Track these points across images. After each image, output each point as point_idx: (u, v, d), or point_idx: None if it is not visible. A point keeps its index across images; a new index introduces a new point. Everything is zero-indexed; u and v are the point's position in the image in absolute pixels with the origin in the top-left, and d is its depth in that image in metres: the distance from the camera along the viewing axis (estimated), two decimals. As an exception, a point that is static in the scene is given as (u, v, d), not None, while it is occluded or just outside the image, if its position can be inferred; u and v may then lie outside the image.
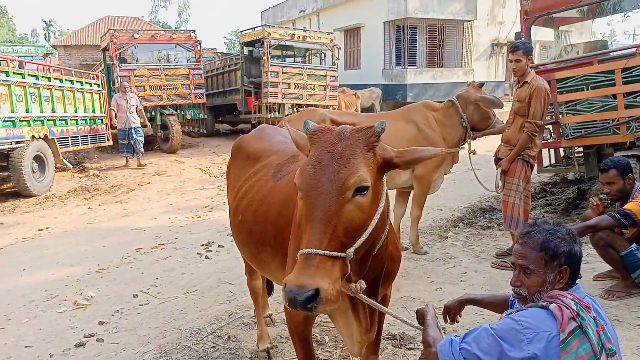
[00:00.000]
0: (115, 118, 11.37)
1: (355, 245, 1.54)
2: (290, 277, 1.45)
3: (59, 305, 4.21)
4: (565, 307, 1.70)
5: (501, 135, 4.84)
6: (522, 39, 5.59)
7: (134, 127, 11.20)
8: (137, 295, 4.33)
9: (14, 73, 8.55)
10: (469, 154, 5.08)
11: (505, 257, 4.71)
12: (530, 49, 4.44)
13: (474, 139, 5.02)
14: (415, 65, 20.15)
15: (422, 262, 4.88)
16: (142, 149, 11.44)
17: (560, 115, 5.79)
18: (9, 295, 4.44)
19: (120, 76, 12.70)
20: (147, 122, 12.42)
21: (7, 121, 8.11)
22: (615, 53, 6.00)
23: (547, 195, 7.33)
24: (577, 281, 1.87)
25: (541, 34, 13.15)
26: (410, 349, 3.21)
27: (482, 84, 5.03)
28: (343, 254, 1.49)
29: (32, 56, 20.82)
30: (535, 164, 4.95)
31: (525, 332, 1.66)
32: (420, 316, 2.05)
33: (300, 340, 2.22)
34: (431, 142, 4.83)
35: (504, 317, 1.78)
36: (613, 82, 5.37)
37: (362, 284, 1.72)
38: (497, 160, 4.76)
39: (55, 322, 3.90)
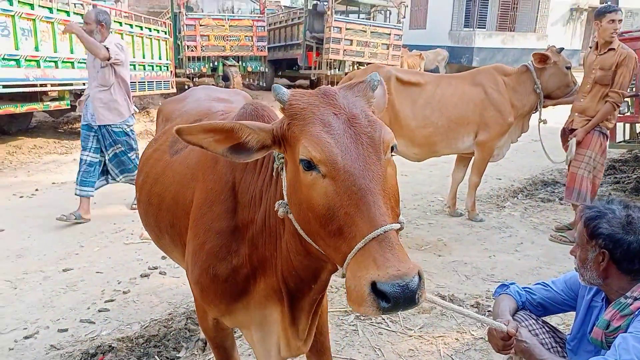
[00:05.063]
0: None
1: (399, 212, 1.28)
2: (389, 267, 1.07)
3: (126, 238, 4.50)
4: None
5: (572, 106, 4.59)
6: (609, 2, 5.19)
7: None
8: (196, 236, 4.54)
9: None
10: (539, 122, 4.86)
11: (564, 232, 4.57)
12: None
13: (545, 107, 4.79)
14: (484, 28, 19.26)
15: (477, 229, 4.81)
16: None
17: (643, 88, 5.41)
18: (81, 225, 4.77)
19: (186, 25, 12.89)
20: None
21: (81, 62, 8.47)
22: None
23: (615, 172, 6.95)
24: None
25: (627, 1, 12.12)
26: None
27: (561, 49, 4.74)
28: (398, 224, 1.18)
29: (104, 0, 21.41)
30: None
31: None
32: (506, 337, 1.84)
33: (215, 347, 1.98)
34: (498, 108, 4.67)
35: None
36: None
37: None
38: (570, 131, 4.51)
39: (122, 253, 4.19)
